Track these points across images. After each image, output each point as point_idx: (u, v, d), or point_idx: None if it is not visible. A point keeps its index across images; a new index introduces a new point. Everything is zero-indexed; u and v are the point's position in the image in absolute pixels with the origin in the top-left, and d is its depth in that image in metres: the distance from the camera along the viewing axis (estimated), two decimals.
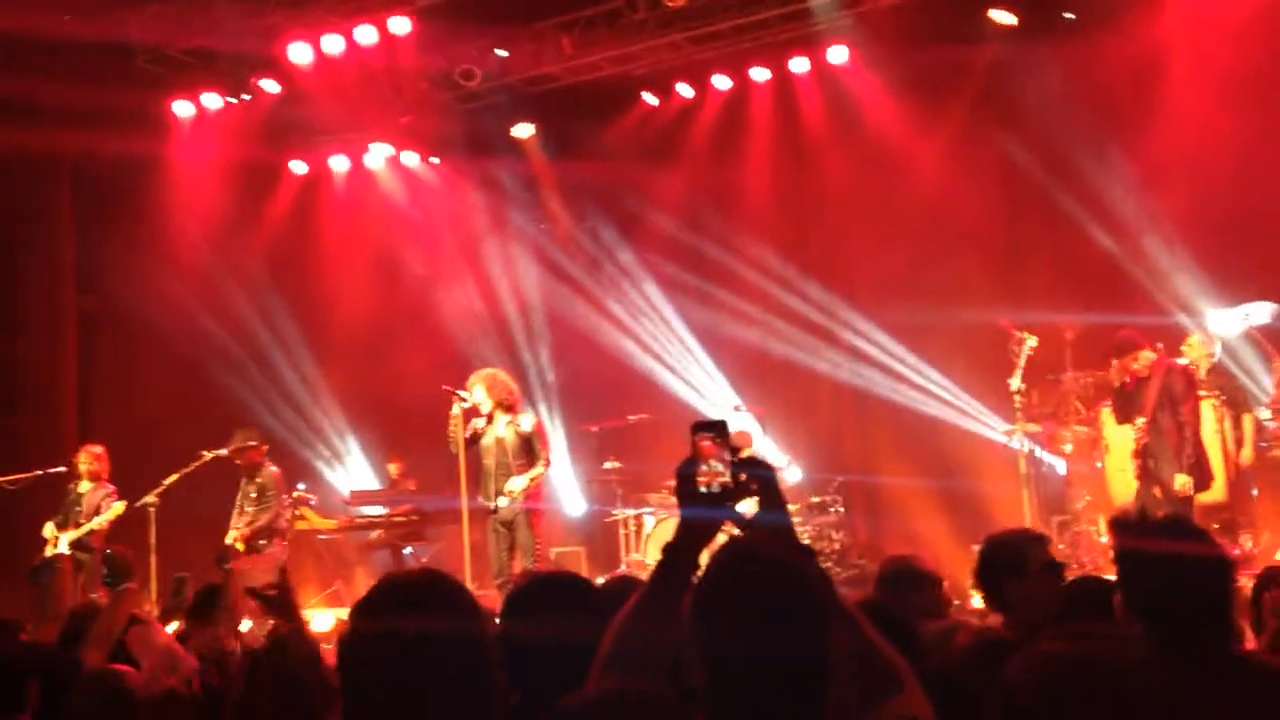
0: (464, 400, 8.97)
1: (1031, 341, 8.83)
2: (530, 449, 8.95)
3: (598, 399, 13.27)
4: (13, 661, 3.81)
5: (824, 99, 12.28)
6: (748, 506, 2.28)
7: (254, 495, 10.26)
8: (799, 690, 1.90)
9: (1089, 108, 10.78)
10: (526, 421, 9.03)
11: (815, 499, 11.39)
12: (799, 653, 1.90)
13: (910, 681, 2.07)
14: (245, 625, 9.18)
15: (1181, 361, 9.18)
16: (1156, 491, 8.49)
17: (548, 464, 9.10)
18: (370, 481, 13.61)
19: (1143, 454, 8.57)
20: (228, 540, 10.19)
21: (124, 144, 11.51)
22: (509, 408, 9.02)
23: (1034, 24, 10.99)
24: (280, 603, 3.71)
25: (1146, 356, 8.63)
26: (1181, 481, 8.40)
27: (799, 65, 12.24)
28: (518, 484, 8.84)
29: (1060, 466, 10.33)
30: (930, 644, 3.43)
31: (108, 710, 3.81)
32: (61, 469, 10.34)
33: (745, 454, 2.33)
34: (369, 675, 1.97)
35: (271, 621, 3.75)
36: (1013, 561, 3.89)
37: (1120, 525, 2.91)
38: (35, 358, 12.45)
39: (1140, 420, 8.50)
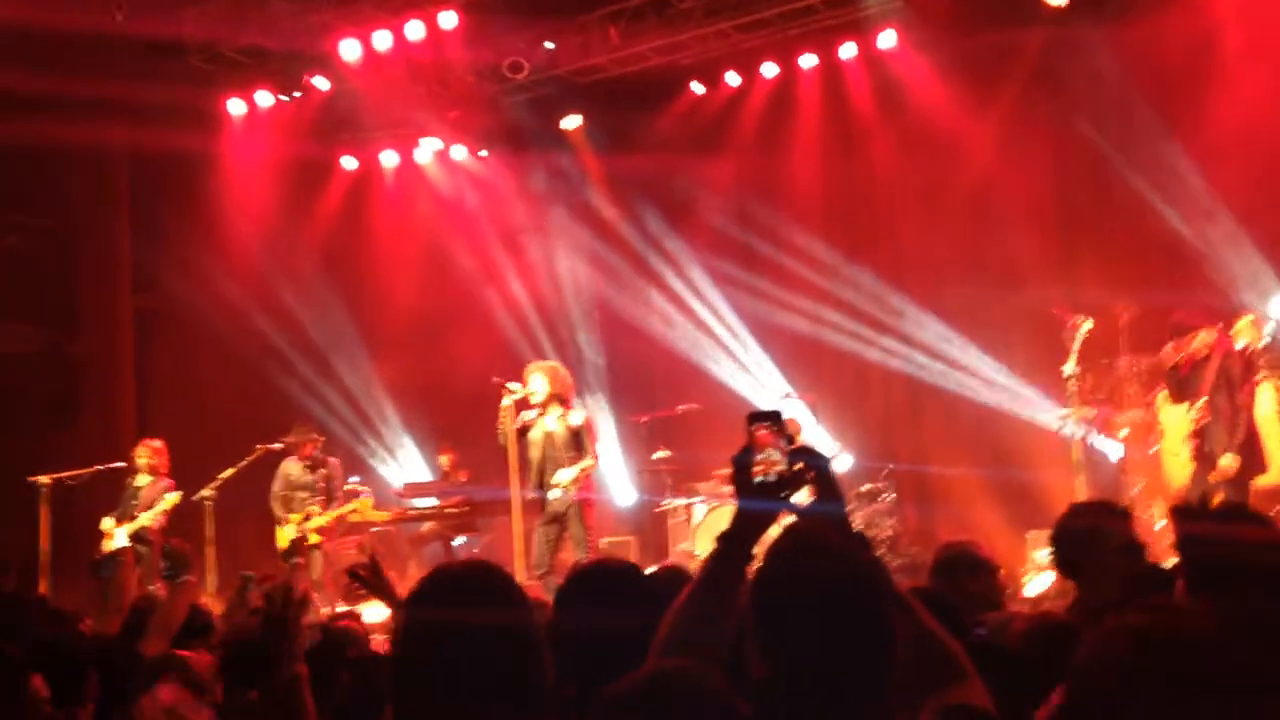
0: (514, 393, 9.02)
1: (1086, 325, 8.71)
2: (580, 443, 9.00)
3: (647, 389, 13.30)
4: (73, 653, 3.86)
5: (872, 84, 12.19)
6: (802, 496, 2.28)
7: (322, 486, 10.32)
8: (861, 679, 1.90)
9: (1142, 87, 10.60)
10: (577, 416, 9.07)
11: (866, 487, 11.32)
12: (860, 642, 1.90)
13: (970, 670, 2.06)
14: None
15: (1239, 344, 9.03)
16: (1212, 475, 8.37)
17: (596, 458, 9.12)
18: (423, 473, 13.72)
19: (1199, 435, 8.43)
20: (290, 534, 10.22)
21: (178, 142, 11.64)
22: (564, 401, 9.07)
23: (1085, 4, 10.84)
24: (377, 581, 3.76)
25: (1204, 338, 8.47)
26: (1227, 461, 8.26)
27: (847, 51, 12.16)
28: (566, 476, 8.89)
29: (1115, 452, 10.19)
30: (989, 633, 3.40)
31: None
32: (120, 464, 10.50)
33: (800, 443, 2.33)
34: (422, 665, 1.99)
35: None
36: (1089, 536, 3.80)
37: (1181, 512, 2.88)
38: (93, 356, 12.65)
39: (1200, 402, 8.36)
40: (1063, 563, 3.95)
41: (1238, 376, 8.39)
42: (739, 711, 1.78)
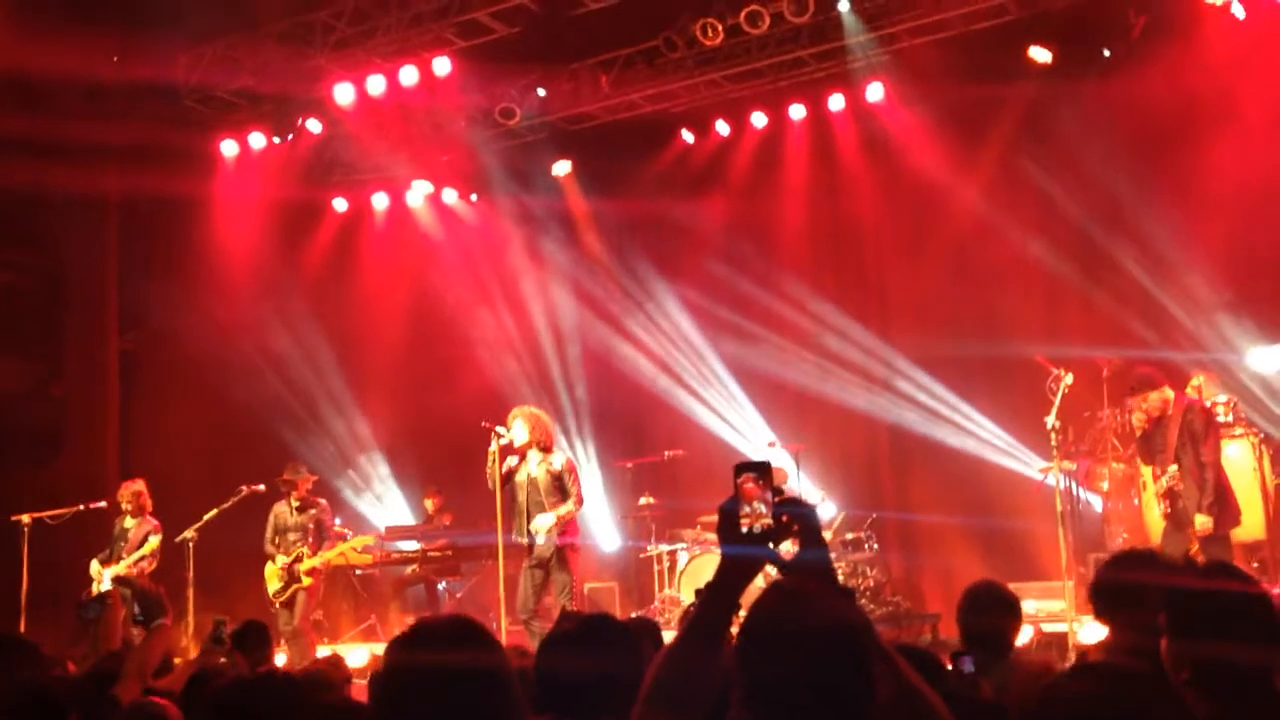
0: (501, 436, 9.04)
1: (1068, 379, 8.78)
2: (562, 487, 9.00)
3: (633, 434, 13.33)
4: (53, 694, 3.83)
5: (860, 136, 12.33)
6: (786, 547, 2.30)
7: (312, 528, 10.27)
8: None
9: (1127, 145, 10.76)
10: (558, 460, 9.09)
11: (850, 535, 11.34)
12: (844, 695, 1.92)
13: None
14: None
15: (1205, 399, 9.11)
16: (1191, 534, 8.38)
17: (580, 502, 9.11)
18: (406, 516, 13.69)
19: (1169, 496, 8.44)
20: (279, 572, 10.16)
21: (169, 183, 11.70)
22: (544, 448, 9.09)
23: (1071, 61, 10.99)
24: None
25: (1157, 397, 8.49)
26: (1201, 522, 8.26)
27: (836, 102, 12.31)
28: (545, 522, 8.91)
29: (1097, 504, 10.26)
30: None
31: None
32: (102, 504, 10.46)
33: (787, 494, 2.35)
34: (402, 708, 2.01)
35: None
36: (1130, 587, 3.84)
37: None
38: (78, 394, 12.63)
39: (1172, 467, 8.38)
40: (1101, 612, 3.97)
41: (1200, 432, 8.40)
42: None
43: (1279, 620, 2.95)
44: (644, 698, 2.14)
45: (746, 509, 2.27)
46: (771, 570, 2.29)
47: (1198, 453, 8.34)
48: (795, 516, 2.27)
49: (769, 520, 2.25)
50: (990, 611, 4.49)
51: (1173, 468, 8.36)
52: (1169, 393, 8.53)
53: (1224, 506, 8.36)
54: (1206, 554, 8.03)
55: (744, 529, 2.25)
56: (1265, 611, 2.85)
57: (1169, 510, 8.48)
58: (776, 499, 2.28)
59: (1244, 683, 2.70)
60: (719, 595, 2.23)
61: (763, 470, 2.31)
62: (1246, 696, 2.68)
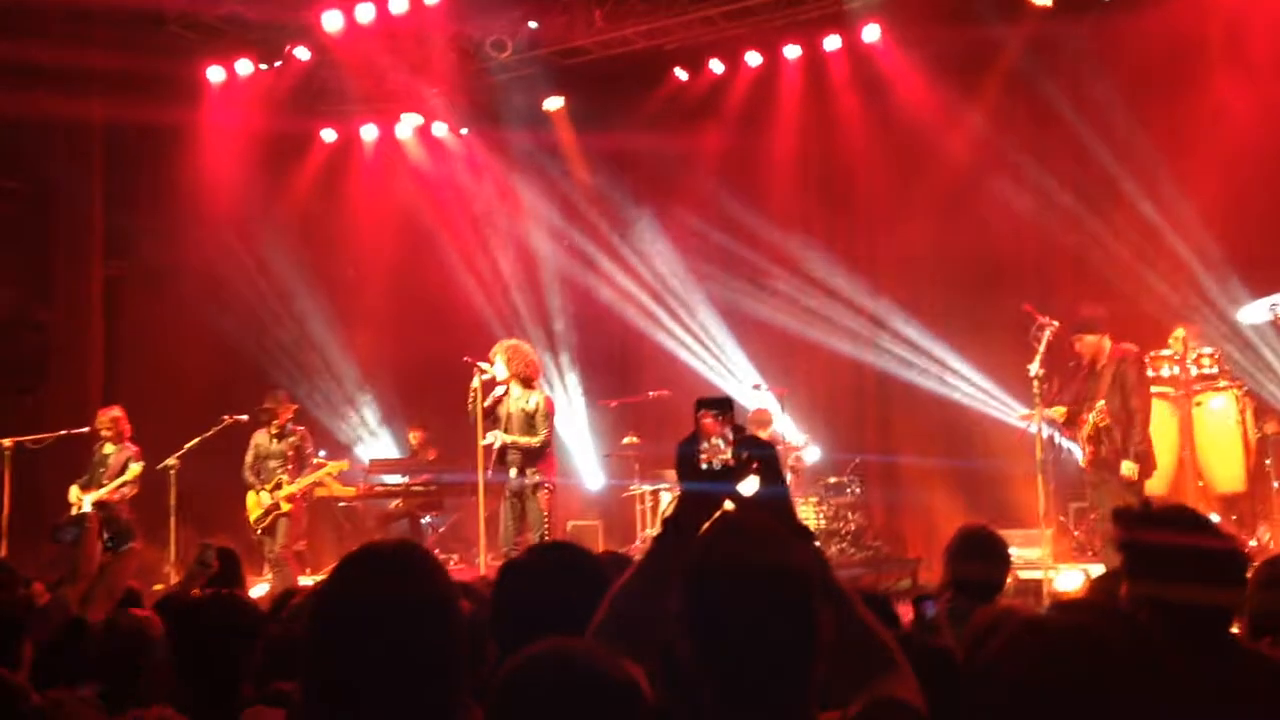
0: (484, 372, 9.03)
1: (1052, 326, 8.77)
2: (533, 425, 9.00)
3: (618, 374, 13.32)
4: (8, 616, 3.80)
5: (855, 78, 12.20)
6: (749, 486, 2.28)
7: (292, 454, 10.29)
8: (785, 667, 1.91)
9: (1123, 90, 10.66)
10: (534, 398, 9.06)
11: (833, 479, 11.40)
12: (786, 629, 1.90)
13: (901, 662, 2.08)
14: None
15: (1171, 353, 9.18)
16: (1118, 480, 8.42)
17: (545, 443, 9.05)
18: (390, 450, 13.70)
19: (1094, 439, 8.50)
20: (265, 500, 10.18)
21: (155, 110, 11.55)
22: (526, 381, 9.07)
23: (1070, 4, 10.87)
24: None
25: (1093, 340, 8.55)
26: (1128, 468, 8.33)
27: (831, 43, 12.17)
28: (500, 436, 8.99)
29: (1079, 453, 10.28)
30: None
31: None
32: (84, 430, 10.44)
33: (749, 433, 2.33)
34: (334, 637, 2.00)
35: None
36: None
37: (1124, 516, 2.91)
38: (63, 321, 12.55)
39: (1100, 403, 8.43)
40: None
41: (1133, 382, 8.47)
42: (631, 691, 1.79)
43: (1244, 574, 2.98)
44: (594, 627, 2.13)
45: (705, 445, 2.25)
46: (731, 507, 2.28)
47: (1127, 400, 8.40)
48: (755, 455, 2.25)
49: (727, 457, 2.24)
50: (981, 557, 4.47)
51: (1101, 403, 8.39)
52: (1106, 342, 8.57)
53: (1145, 458, 8.42)
54: (1119, 498, 8.06)
55: (703, 465, 2.23)
56: (1230, 565, 2.88)
57: (1093, 455, 8.53)
58: (736, 436, 2.26)
59: (1205, 635, 2.72)
60: (676, 530, 2.21)
61: (723, 406, 2.30)
62: (1198, 634, 2.70)
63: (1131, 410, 8.39)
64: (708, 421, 2.27)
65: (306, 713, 2.01)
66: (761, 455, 2.26)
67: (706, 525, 2.11)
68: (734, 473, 2.24)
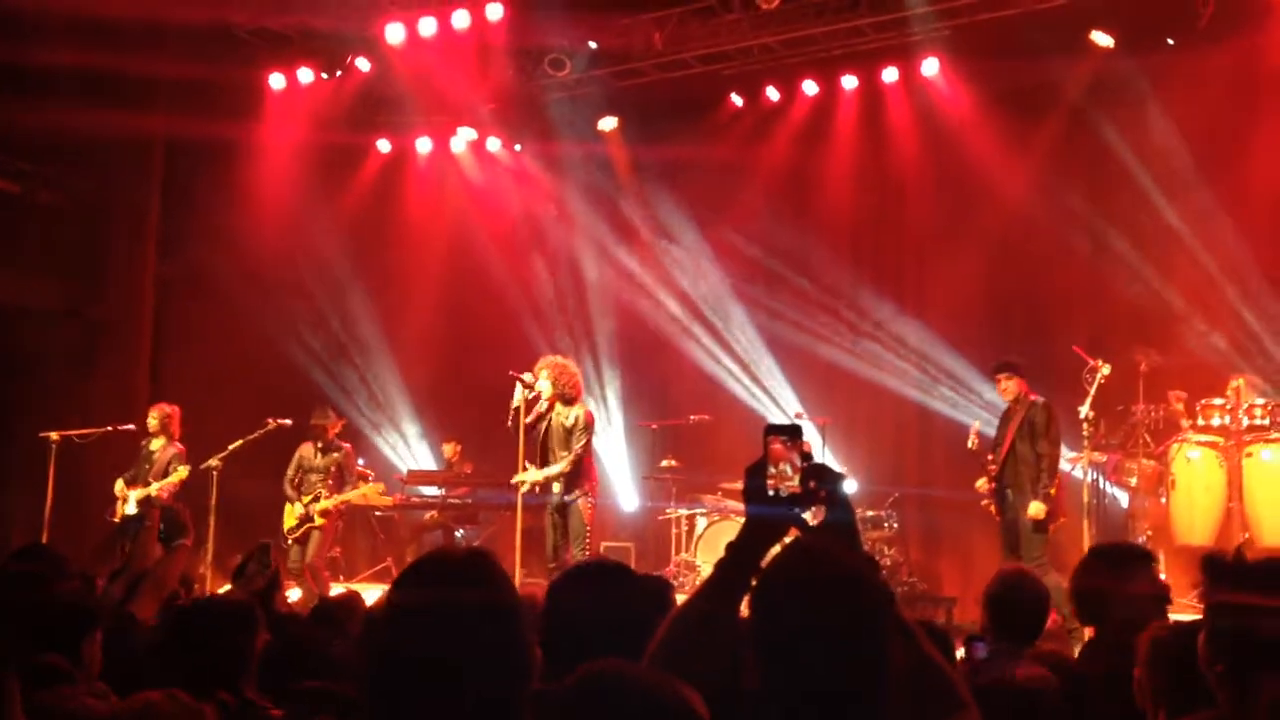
0: (528, 386, 9.02)
1: (1104, 370, 8.68)
2: (569, 441, 8.98)
3: (660, 396, 13.28)
4: (84, 607, 3.85)
5: (912, 110, 12.14)
6: (815, 514, 2.26)
7: (334, 470, 10.35)
8: (854, 699, 1.88)
9: (1184, 135, 10.55)
10: (574, 413, 9.05)
11: (870, 514, 11.30)
12: (856, 661, 1.87)
13: (969, 701, 2.04)
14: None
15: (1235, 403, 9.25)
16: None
17: (572, 463, 8.95)
18: (427, 462, 13.73)
19: (996, 489, 8.81)
20: (298, 513, 10.24)
21: (217, 116, 11.69)
22: (569, 400, 9.06)
23: (1133, 48, 10.78)
24: None
25: (1010, 385, 8.82)
26: (1035, 508, 8.48)
27: (889, 75, 12.14)
28: (531, 475, 8.92)
29: (1123, 499, 10.15)
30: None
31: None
32: (130, 427, 10.53)
33: (815, 461, 2.31)
34: (403, 646, 1.98)
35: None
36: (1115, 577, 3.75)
37: (1214, 567, 2.45)
38: (114, 318, 12.71)
39: (1004, 447, 8.70)
40: (1081, 609, 3.93)
41: (1041, 427, 8.63)
42: (691, 717, 1.75)
43: None
44: (653, 652, 2.10)
45: (773, 471, 2.24)
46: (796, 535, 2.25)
47: (1034, 444, 8.63)
48: (823, 484, 2.23)
49: (794, 485, 2.22)
50: (1023, 601, 4.39)
51: (1005, 445, 8.67)
52: (1019, 389, 8.84)
53: (1051, 500, 8.57)
54: (1029, 541, 8.46)
55: (770, 491, 2.21)
56: None
57: (998, 507, 8.85)
58: (804, 464, 2.24)
59: None
60: (741, 556, 2.19)
61: (793, 433, 2.29)
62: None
63: (1039, 454, 8.61)
64: (776, 447, 2.26)
65: (371, 716, 1.99)
66: (829, 484, 2.24)
67: (775, 550, 2.08)
68: (801, 500, 2.22)
